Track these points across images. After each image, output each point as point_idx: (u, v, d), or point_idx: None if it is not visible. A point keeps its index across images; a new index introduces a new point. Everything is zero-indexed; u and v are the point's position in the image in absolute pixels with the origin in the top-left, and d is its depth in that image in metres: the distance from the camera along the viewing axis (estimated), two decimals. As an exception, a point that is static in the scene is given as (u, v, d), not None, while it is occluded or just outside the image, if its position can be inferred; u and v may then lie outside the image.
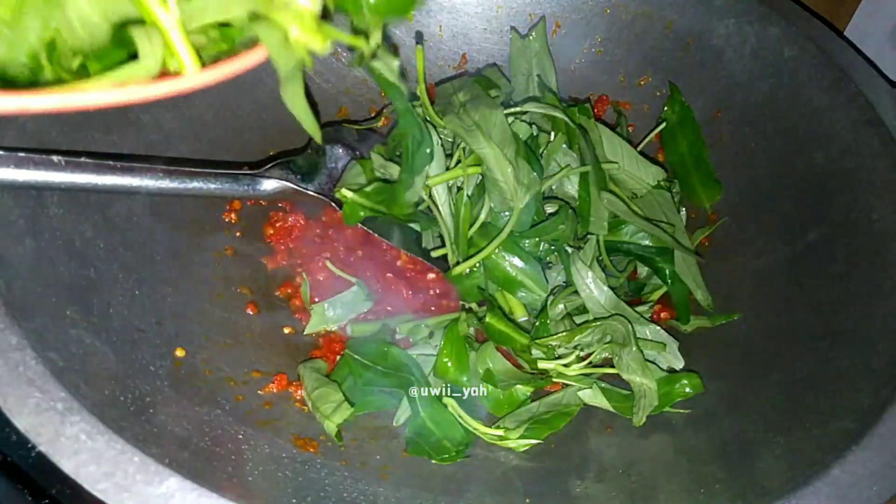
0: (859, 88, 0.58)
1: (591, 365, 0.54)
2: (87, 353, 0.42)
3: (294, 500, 0.42)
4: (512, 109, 0.61)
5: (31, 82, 0.30)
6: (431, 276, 0.63)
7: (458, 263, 0.58)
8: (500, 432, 0.51)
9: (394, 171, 0.59)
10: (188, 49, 0.29)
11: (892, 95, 0.57)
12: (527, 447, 0.51)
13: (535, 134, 0.62)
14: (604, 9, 0.70)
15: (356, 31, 0.40)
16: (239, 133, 0.65)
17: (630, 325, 0.53)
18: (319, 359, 0.56)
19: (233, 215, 0.62)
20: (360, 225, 0.59)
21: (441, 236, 0.61)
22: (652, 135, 0.69)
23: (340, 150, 0.62)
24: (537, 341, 0.54)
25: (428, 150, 0.57)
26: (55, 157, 0.43)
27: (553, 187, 0.61)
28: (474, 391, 0.53)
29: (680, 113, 0.69)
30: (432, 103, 0.61)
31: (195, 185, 0.49)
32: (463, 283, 0.59)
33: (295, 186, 0.56)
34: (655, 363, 0.55)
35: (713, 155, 0.68)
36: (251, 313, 0.58)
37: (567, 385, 0.55)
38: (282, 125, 0.65)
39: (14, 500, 0.41)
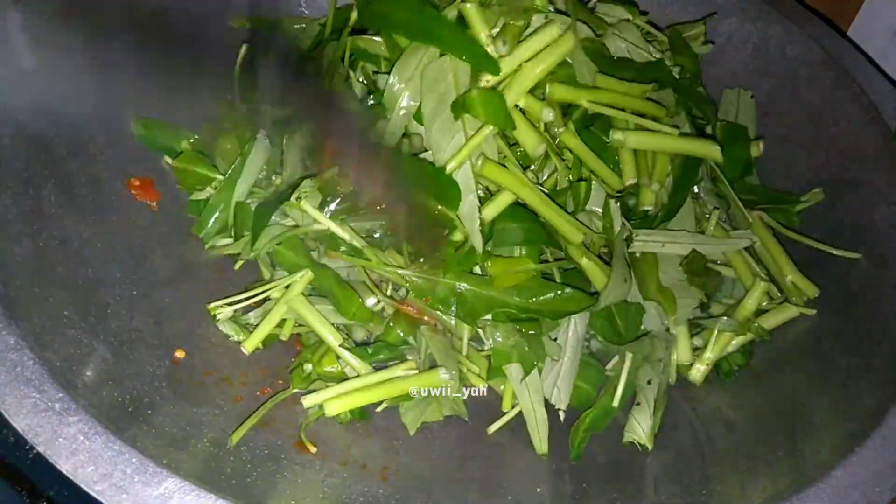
0: (862, 89, 0.57)
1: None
2: (84, 353, 0.42)
3: (293, 502, 0.42)
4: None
5: None
6: None
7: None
8: None
9: None
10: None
11: (894, 96, 0.57)
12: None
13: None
14: (605, 8, 0.70)
15: None
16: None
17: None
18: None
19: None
20: None
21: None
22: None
23: None
24: None
25: None
26: None
27: None
28: None
29: None
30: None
31: None
32: None
33: None
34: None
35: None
36: (250, 314, 0.57)
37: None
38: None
39: (12, 501, 0.41)
